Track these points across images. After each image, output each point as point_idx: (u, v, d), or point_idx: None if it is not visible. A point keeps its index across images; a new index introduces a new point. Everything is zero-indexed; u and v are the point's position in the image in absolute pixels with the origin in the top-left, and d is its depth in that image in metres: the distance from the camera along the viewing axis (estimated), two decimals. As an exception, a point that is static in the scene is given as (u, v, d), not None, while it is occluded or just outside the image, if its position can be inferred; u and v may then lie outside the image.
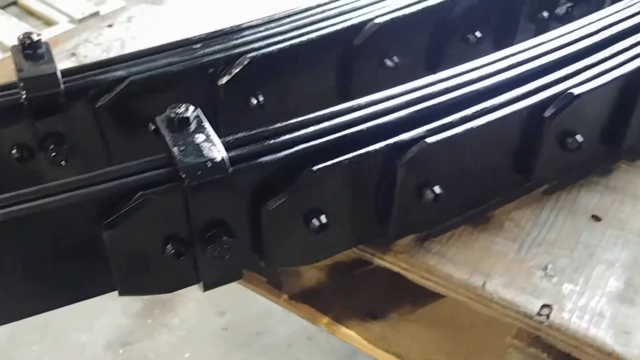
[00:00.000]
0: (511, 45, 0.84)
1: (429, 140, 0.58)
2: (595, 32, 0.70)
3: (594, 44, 0.69)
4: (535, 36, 0.84)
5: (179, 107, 0.55)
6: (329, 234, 0.58)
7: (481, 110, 0.61)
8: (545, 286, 0.62)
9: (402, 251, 0.66)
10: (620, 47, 0.68)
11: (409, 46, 0.79)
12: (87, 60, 0.94)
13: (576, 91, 0.63)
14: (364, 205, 0.61)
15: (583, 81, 0.64)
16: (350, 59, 0.75)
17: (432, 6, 0.77)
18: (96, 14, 1.73)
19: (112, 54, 0.96)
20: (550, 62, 0.66)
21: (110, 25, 1.02)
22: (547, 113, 0.62)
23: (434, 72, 0.80)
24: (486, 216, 0.69)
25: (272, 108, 0.72)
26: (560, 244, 0.66)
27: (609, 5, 0.82)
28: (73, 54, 0.96)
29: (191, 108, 0.55)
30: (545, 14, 0.86)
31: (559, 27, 0.83)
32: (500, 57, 0.67)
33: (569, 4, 0.86)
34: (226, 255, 0.53)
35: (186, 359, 1.60)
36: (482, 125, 0.60)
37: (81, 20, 1.75)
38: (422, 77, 0.80)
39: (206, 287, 0.57)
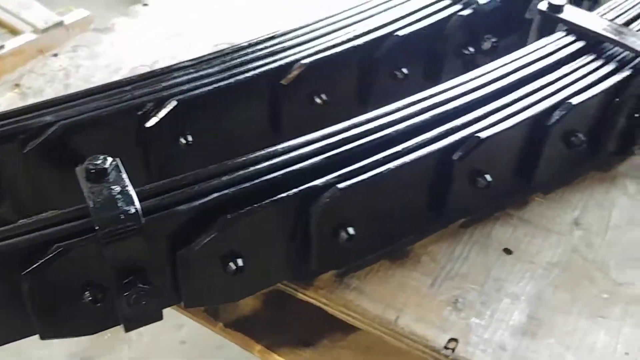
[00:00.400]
0: (439, 78, 0.89)
1: (341, 185, 0.61)
2: (506, 74, 0.74)
3: (502, 87, 0.72)
4: (463, 69, 0.89)
5: (97, 159, 0.57)
6: (247, 275, 0.61)
7: (392, 154, 0.64)
8: (454, 320, 0.65)
9: (323, 287, 0.69)
10: (528, 90, 0.72)
11: (337, 84, 0.81)
12: (31, 92, 0.95)
13: (483, 135, 0.66)
14: (282, 246, 0.64)
15: (490, 125, 0.67)
16: (280, 98, 0.78)
17: (358, 46, 0.80)
18: (60, 23, 1.73)
19: (56, 84, 0.97)
20: (459, 105, 0.70)
21: (55, 55, 1.04)
22: (456, 156, 0.66)
23: (365, 107, 0.85)
24: (404, 251, 0.72)
25: (203, 147, 0.74)
26: (471, 278, 0.69)
27: (532, 40, 0.86)
28: (17, 85, 0.97)
29: (109, 159, 0.57)
30: (471, 49, 0.89)
31: (485, 60, 0.87)
32: (412, 101, 0.70)
33: (493, 39, 0.90)
34: (142, 301, 0.56)
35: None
36: (393, 169, 0.63)
37: (45, 31, 1.75)
38: (354, 111, 0.84)
39: (127, 329, 0.59)
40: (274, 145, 0.64)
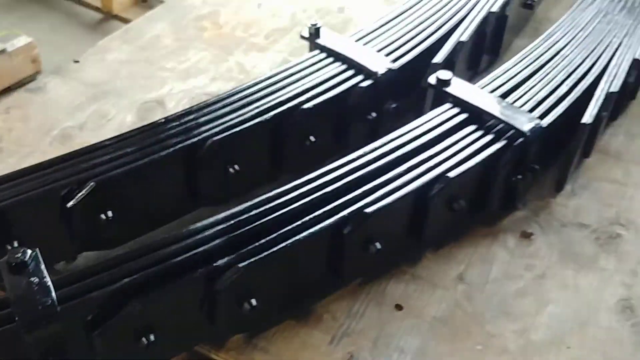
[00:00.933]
0: (347, 141, 0.97)
1: (241, 264, 0.68)
2: (394, 148, 0.83)
3: (389, 161, 0.81)
4: (369, 131, 0.98)
5: (18, 252, 0.63)
6: (161, 344, 0.68)
7: (289, 230, 0.72)
8: (348, 375, 0.74)
9: (233, 348, 0.76)
10: (413, 163, 0.81)
11: (250, 154, 0.89)
12: (-37, 158, 1.00)
13: (369, 210, 0.75)
14: (193, 316, 0.71)
15: (376, 199, 0.76)
16: (196, 170, 0.85)
17: (265, 120, 0.88)
18: (3, 51, 1.76)
19: (-10, 148, 1.02)
20: (351, 180, 0.78)
21: (-12, 117, 1.08)
22: (346, 230, 0.74)
23: (279, 171, 0.93)
24: (308, 310, 0.80)
25: (124, 220, 0.81)
26: (365, 334, 0.78)
27: (427, 108, 0.95)
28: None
29: (29, 252, 0.64)
30: (374, 114, 0.98)
31: (389, 122, 0.96)
32: (308, 179, 0.78)
33: (393, 105, 0.99)
34: (64, 379, 0.63)
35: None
36: (290, 245, 0.71)
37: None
38: (269, 176, 0.91)
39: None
40: (181, 229, 0.71)
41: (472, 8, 1.12)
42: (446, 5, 1.13)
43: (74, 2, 2.29)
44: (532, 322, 0.80)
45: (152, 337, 0.66)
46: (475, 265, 0.87)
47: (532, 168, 0.90)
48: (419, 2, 1.13)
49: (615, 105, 1.04)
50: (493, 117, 0.87)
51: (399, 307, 0.81)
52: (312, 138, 0.93)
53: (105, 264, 0.66)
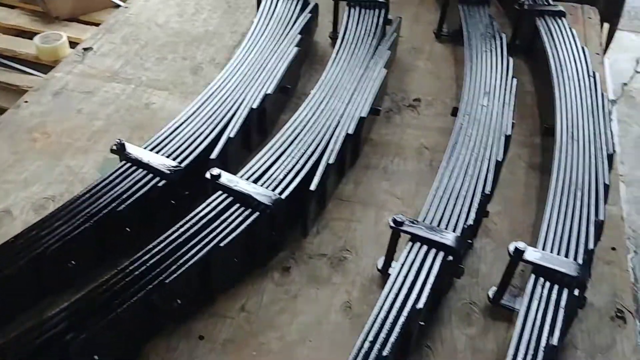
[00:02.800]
0: (155, 224, 1.32)
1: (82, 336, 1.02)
2: (183, 232, 1.20)
3: (181, 241, 1.18)
4: (172, 214, 1.33)
5: None
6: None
7: (113, 307, 1.06)
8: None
9: (89, 388, 1.09)
10: (195, 241, 1.19)
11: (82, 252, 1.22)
12: None
13: (167, 280, 1.11)
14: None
15: (171, 272, 1.13)
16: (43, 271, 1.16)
17: (90, 225, 1.21)
18: None
19: None
20: (154, 262, 1.14)
21: None
22: (154, 298, 1.10)
23: (105, 258, 1.26)
24: (139, 353, 1.15)
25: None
26: (179, 360, 1.14)
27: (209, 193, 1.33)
28: None
29: None
30: (173, 201, 1.34)
31: (188, 205, 1.32)
32: (124, 265, 1.13)
33: (186, 192, 1.36)
34: None
35: None
36: (113, 316, 1.06)
37: None
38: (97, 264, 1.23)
39: None
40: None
41: (239, 107, 1.52)
42: (220, 106, 1.52)
43: None
44: (288, 329, 1.21)
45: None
46: (252, 297, 1.26)
47: (282, 226, 1.32)
48: (199, 107, 1.51)
49: (343, 164, 1.49)
50: (250, 197, 1.27)
51: (201, 337, 1.18)
52: (128, 228, 1.27)
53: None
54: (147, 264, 1.13)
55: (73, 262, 1.19)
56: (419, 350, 1.18)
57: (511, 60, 1.75)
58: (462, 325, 1.23)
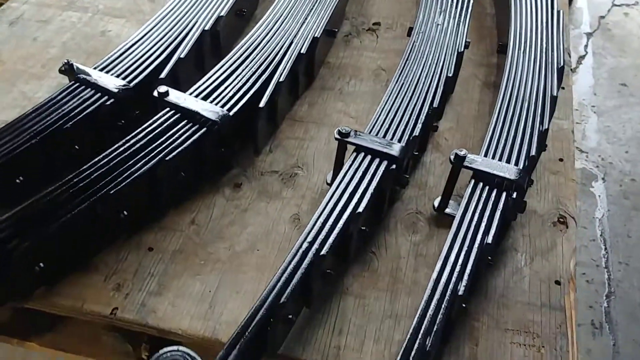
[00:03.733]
0: (105, 145, 1.32)
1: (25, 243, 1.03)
2: (130, 146, 1.20)
3: (127, 155, 1.18)
4: (119, 135, 1.33)
5: None
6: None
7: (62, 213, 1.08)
8: (116, 297, 1.12)
9: (39, 295, 1.11)
10: (144, 153, 1.19)
11: (31, 169, 1.22)
12: None
13: (112, 192, 1.12)
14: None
15: (117, 183, 1.13)
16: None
17: (36, 142, 1.21)
18: None
19: None
20: (100, 173, 1.15)
21: None
22: (99, 209, 1.11)
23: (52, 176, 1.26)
24: (87, 262, 1.17)
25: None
26: (127, 270, 1.16)
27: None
28: None
29: None
30: (123, 121, 1.34)
31: (137, 126, 1.32)
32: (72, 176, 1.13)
33: (136, 112, 1.35)
34: None
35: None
36: (60, 224, 1.07)
37: None
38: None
39: None
40: None
41: (191, 29, 1.51)
42: (173, 28, 1.50)
43: None
44: (237, 240, 1.22)
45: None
46: (202, 211, 1.28)
47: (231, 143, 1.32)
48: (151, 29, 1.49)
49: (297, 84, 1.49)
50: (197, 113, 1.27)
51: (150, 249, 1.20)
52: (77, 147, 1.28)
53: None
54: (92, 177, 1.14)
55: (21, 177, 1.20)
56: (363, 256, 1.20)
57: (469, -21, 1.72)
58: (407, 233, 1.25)
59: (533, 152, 1.23)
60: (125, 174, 1.15)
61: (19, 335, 1.22)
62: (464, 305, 1.02)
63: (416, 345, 0.92)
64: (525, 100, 1.35)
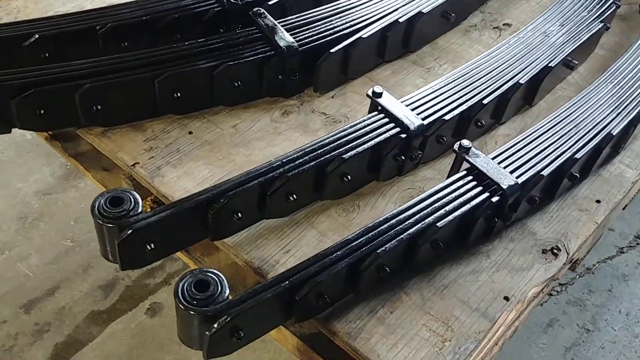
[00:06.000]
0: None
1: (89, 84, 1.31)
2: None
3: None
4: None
5: None
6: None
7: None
8: (145, 158, 1.36)
9: (94, 134, 1.40)
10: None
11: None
12: None
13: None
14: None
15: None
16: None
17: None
18: None
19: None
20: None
21: None
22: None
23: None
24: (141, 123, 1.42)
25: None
26: (164, 141, 1.39)
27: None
28: (-9, 15, 1.68)
29: None
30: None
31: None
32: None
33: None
34: None
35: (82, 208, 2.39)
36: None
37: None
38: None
39: None
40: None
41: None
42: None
43: None
44: (257, 152, 1.38)
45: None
46: (246, 121, 1.45)
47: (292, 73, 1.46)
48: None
49: (384, 48, 1.58)
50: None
51: (190, 132, 1.41)
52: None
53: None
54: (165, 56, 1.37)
55: (126, 43, 1.48)
56: (347, 204, 1.29)
57: None
58: (398, 202, 1.30)
59: (546, 172, 1.20)
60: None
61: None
62: (385, 267, 1.07)
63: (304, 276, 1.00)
64: (581, 132, 1.29)
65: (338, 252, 1.03)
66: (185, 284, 0.94)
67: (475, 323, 1.10)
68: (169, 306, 2.16)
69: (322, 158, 1.20)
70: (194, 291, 0.94)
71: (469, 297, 1.14)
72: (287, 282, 0.98)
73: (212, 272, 0.96)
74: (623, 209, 1.56)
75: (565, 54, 1.49)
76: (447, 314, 1.11)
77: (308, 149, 1.22)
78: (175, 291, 0.94)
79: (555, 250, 1.22)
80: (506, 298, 1.14)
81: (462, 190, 1.16)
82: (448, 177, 1.23)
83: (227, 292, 0.95)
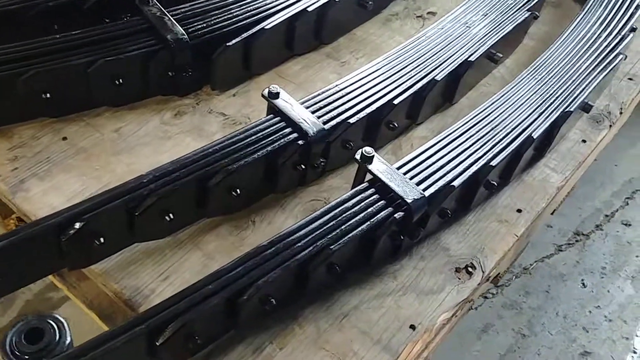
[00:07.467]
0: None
1: None
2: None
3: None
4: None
5: None
6: None
7: None
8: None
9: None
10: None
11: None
12: None
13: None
14: None
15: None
16: None
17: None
18: None
19: None
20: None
21: None
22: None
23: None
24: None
25: None
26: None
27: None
28: None
29: None
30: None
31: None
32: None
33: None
34: None
35: None
36: None
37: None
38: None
39: None
40: None
41: None
42: None
43: None
44: (140, 160, 1.22)
45: None
46: (132, 123, 1.28)
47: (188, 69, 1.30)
48: None
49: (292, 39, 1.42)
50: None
51: (64, 138, 1.24)
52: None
53: None
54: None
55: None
56: (241, 222, 1.14)
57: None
58: (300, 216, 1.16)
59: (456, 183, 1.07)
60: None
61: None
62: (270, 298, 0.93)
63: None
64: (499, 135, 1.17)
65: (209, 286, 0.88)
66: (14, 336, 0.77)
67: (375, 358, 0.97)
68: (75, 322, 1.98)
69: (204, 170, 1.05)
70: (24, 343, 0.77)
71: (371, 327, 1.01)
72: (144, 325, 0.83)
73: (50, 317, 0.80)
74: (552, 213, 1.46)
75: (488, 47, 1.37)
76: (345, 349, 0.98)
77: (188, 160, 1.06)
78: (1, 344, 0.77)
79: (469, 269, 1.10)
80: (412, 327, 1.02)
81: (363, 204, 1.03)
82: (352, 188, 1.09)
83: (68, 340, 0.79)
